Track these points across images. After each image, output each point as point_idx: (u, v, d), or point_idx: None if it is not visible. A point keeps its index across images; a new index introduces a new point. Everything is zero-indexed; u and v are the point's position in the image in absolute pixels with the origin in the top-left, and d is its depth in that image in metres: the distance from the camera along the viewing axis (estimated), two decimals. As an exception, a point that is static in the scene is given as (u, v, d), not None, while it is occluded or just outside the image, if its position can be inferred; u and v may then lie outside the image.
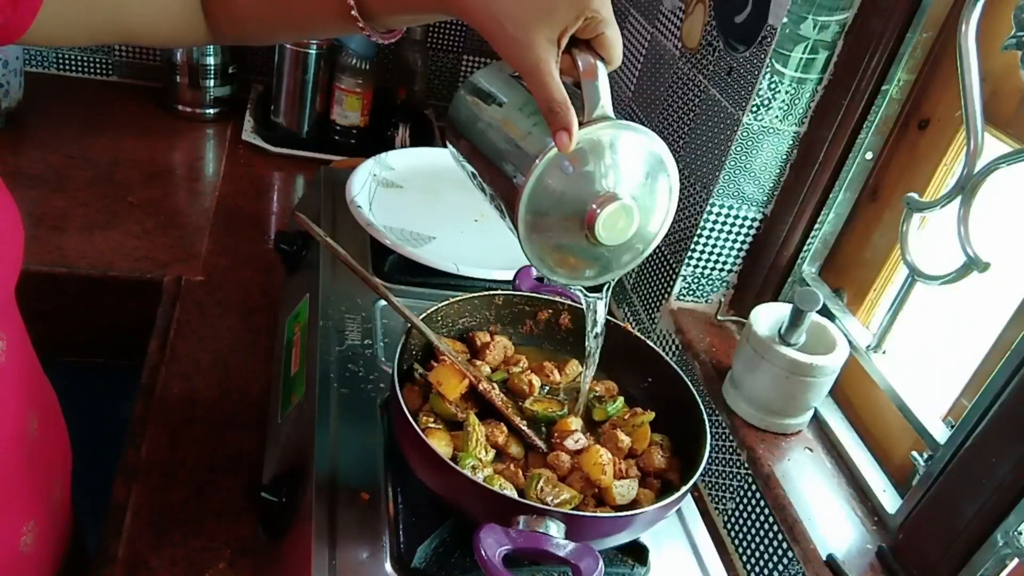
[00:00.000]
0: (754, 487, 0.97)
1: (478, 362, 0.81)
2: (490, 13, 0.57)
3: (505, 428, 0.74)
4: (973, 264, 0.78)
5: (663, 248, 1.19)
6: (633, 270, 1.28)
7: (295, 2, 0.69)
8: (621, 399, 0.80)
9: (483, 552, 0.57)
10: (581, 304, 0.88)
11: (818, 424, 0.97)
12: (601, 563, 0.59)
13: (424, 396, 0.76)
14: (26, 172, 1.38)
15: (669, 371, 0.81)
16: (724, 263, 1.13)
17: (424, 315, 0.80)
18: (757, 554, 0.94)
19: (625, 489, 0.71)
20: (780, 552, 0.90)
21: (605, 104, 0.59)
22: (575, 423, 0.76)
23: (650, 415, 0.77)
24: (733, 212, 1.08)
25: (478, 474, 0.68)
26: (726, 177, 1.06)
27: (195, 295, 1.19)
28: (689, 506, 0.84)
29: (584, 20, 0.57)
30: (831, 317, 0.98)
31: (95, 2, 0.65)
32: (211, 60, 1.63)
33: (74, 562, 0.79)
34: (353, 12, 0.65)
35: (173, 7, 0.69)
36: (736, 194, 1.07)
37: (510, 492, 0.67)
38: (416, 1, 0.65)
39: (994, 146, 0.81)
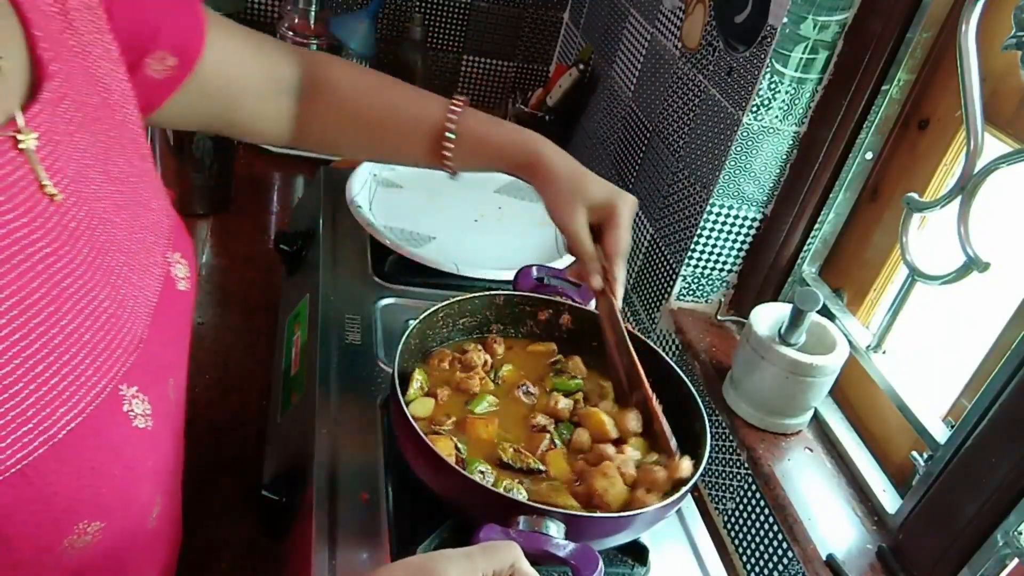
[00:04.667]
0: (754, 487, 0.97)
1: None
2: (558, 188, 0.77)
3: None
4: (973, 264, 0.78)
5: (663, 248, 1.19)
6: (633, 270, 1.28)
7: (384, 139, 0.81)
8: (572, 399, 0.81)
9: (483, 552, 0.57)
10: (580, 303, 0.89)
11: (818, 424, 0.97)
12: (601, 563, 0.59)
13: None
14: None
15: (669, 371, 0.81)
16: (724, 263, 1.13)
17: (424, 315, 0.80)
18: (757, 554, 0.94)
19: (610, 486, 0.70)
20: (780, 552, 0.90)
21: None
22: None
23: (579, 382, 0.82)
24: (733, 212, 1.08)
25: (487, 478, 0.68)
26: (726, 177, 1.06)
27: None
28: (689, 506, 0.84)
29: (612, 200, 0.77)
30: (831, 317, 0.98)
31: (217, 97, 0.73)
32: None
33: None
34: (447, 162, 0.79)
35: (271, 115, 0.79)
36: (736, 194, 1.07)
37: (519, 494, 0.67)
38: (498, 164, 0.80)
39: (994, 146, 0.81)
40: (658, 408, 0.76)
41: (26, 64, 0.49)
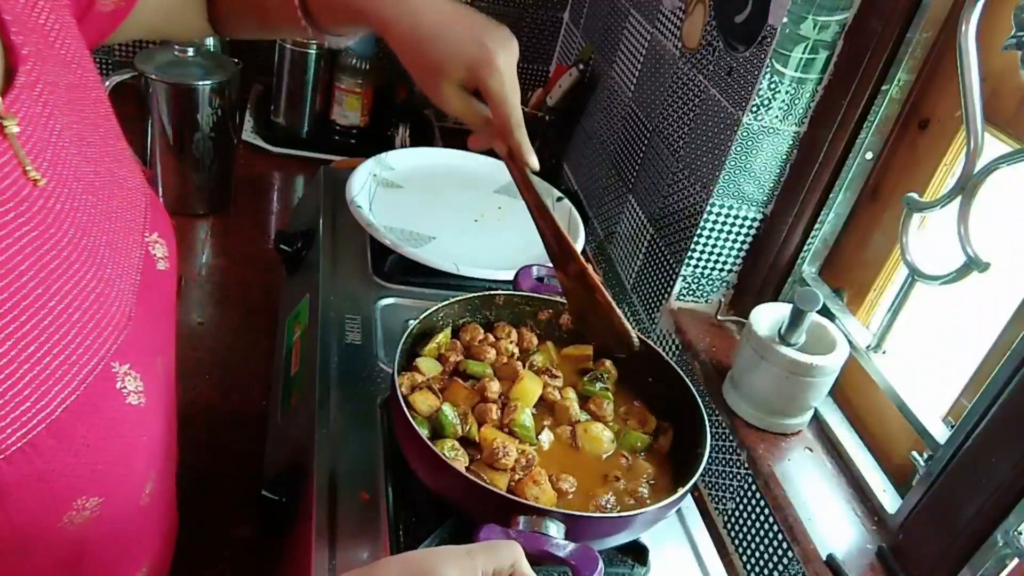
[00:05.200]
0: (754, 487, 0.97)
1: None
2: (409, 63, 0.69)
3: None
4: (973, 264, 0.78)
5: (663, 248, 1.19)
6: (633, 270, 1.28)
7: (258, 13, 0.77)
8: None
9: (483, 552, 0.57)
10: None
11: (818, 424, 0.97)
12: (601, 563, 0.59)
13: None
14: (26, 172, 1.38)
15: (669, 371, 0.81)
16: (724, 263, 1.13)
17: (424, 315, 0.80)
18: (757, 554, 0.94)
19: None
20: (780, 552, 0.90)
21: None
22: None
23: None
24: (733, 212, 1.08)
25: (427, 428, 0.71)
26: (726, 177, 1.06)
27: (195, 295, 1.19)
28: (689, 506, 0.84)
29: (473, 72, 0.67)
30: (831, 317, 0.98)
31: (155, 12, 0.72)
32: (211, 60, 1.63)
33: None
34: (298, 12, 0.72)
35: (194, 14, 0.78)
36: (736, 194, 1.07)
37: (456, 458, 0.69)
38: (347, 19, 0.72)
39: (994, 146, 0.81)
40: (602, 286, 0.73)
41: (0, 50, 0.49)
